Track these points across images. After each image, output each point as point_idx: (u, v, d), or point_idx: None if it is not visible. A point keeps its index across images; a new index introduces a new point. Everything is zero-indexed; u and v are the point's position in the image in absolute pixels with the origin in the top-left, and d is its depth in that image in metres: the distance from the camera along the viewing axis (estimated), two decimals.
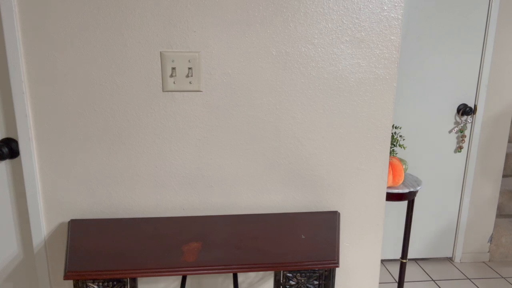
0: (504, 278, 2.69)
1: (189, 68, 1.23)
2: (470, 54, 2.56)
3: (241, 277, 1.40)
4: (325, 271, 1.24)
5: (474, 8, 2.50)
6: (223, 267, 1.17)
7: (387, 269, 2.80)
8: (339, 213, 1.39)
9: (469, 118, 2.65)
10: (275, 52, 1.25)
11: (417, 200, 2.80)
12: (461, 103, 2.64)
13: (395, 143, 2.09)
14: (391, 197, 1.82)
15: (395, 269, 2.80)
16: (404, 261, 2.01)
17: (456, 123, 2.66)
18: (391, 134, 2.05)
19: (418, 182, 1.95)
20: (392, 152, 2.08)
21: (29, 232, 1.32)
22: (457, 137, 2.69)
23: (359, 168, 1.38)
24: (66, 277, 1.12)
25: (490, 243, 2.92)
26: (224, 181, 1.34)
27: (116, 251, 1.19)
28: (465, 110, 2.61)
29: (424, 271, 2.77)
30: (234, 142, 1.31)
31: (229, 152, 1.32)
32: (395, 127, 2.12)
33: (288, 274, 1.23)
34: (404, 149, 2.20)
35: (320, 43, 1.26)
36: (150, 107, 1.26)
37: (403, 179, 1.87)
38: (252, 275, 1.43)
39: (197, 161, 1.32)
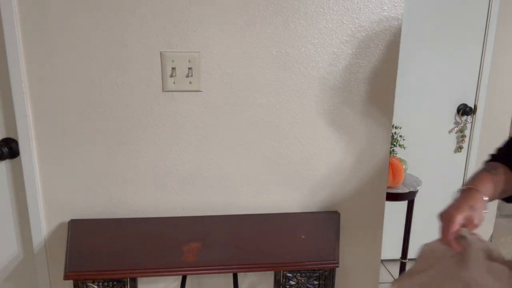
0: None
1: (189, 68, 1.23)
2: (470, 54, 2.56)
3: (241, 277, 1.40)
4: (325, 271, 1.24)
5: (474, 8, 2.50)
6: (223, 267, 1.17)
7: (387, 269, 2.80)
8: (339, 213, 1.39)
9: (469, 118, 2.65)
10: (275, 52, 1.25)
11: (417, 200, 2.80)
12: (461, 103, 2.64)
13: (395, 143, 2.09)
14: (391, 197, 1.82)
15: (395, 269, 2.80)
16: (404, 261, 2.02)
17: (456, 123, 2.66)
18: (391, 134, 2.05)
19: (418, 182, 1.95)
20: (392, 152, 2.08)
21: (29, 232, 1.32)
22: (457, 137, 2.69)
23: (359, 168, 1.38)
24: (66, 277, 1.12)
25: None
26: (224, 181, 1.34)
27: (116, 251, 1.19)
28: (465, 110, 2.61)
29: None
30: (234, 142, 1.31)
31: (229, 152, 1.32)
32: (395, 127, 2.12)
33: (288, 274, 1.23)
34: (404, 149, 2.20)
35: (320, 43, 1.26)
36: (150, 107, 1.26)
37: (403, 179, 1.87)
38: (252, 275, 1.43)
39: (197, 161, 1.32)
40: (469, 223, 0.86)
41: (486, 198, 0.88)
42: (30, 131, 1.23)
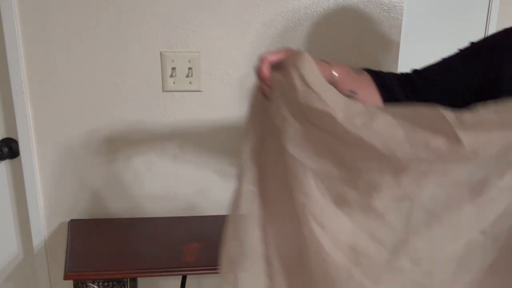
0: None
1: (189, 68, 1.23)
2: None
3: None
4: None
5: (474, 8, 2.50)
6: None
7: None
8: None
9: None
10: None
11: None
12: None
13: None
14: None
15: None
16: None
17: None
18: None
19: None
20: None
21: (29, 232, 1.32)
22: None
23: None
24: (66, 277, 1.12)
25: None
26: (224, 180, 1.34)
27: (116, 251, 1.19)
28: None
29: None
30: (235, 142, 1.31)
31: (229, 152, 1.32)
32: None
33: None
34: None
35: (320, 43, 1.26)
36: (150, 107, 1.26)
37: None
38: None
39: (197, 161, 1.32)
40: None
41: (335, 74, 0.76)
42: (30, 131, 1.23)
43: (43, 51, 1.19)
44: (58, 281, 1.37)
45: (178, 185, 1.33)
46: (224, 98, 1.27)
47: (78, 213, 1.32)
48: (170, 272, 1.16)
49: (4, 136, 1.29)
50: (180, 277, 1.31)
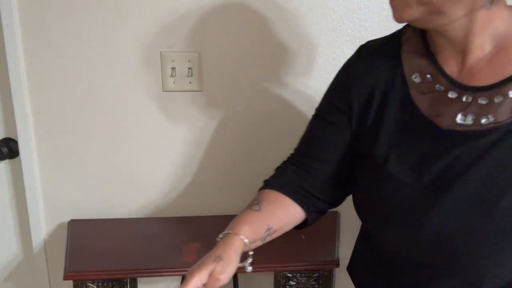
0: None
1: (189, 68, 1.23)
2: None
3: (241, 277, 1.40)
4: (325, 271, 1.24)
5: None
6: None
7: None
8: (339, 213, 1.38)
9: None
10: (276, 52, 1.25)
11: None
12: None
13: None
14: None
15: None
16: None
17: None
18: None
19: None
20: None
21: (29, 232, 1.32)
22: None
23: None
24: (66, 278, 1.12)
25: None
26: (224, 180, 1.34)
27: (116, 251, 1.19)
28: None
29: None
30: (235, 142, 1.31)
31: (229, 152, 1.32)
32: None
33: (288, 274, 1.23)
34: None
35: (320, 43, 1.26)
36: (150, 107, 1.26)
37: None
38: (252, 275, 1.43)
39: (197, 160, 1.32)
40: (211, 279, 0.72)
41: (246, 241, 0.77)
42: (30, 131, 1.23)
43: (43, 51, 1.18)
44: (57, 281, 1.37)
45: (178, 185, 1.33)
46: (224, 98, 1.27)
47: (78, 213, 1.32)
48: (170, 272, 1.16)
49: (4, 136, 1.29)
50: (180, 277, 1.31)
